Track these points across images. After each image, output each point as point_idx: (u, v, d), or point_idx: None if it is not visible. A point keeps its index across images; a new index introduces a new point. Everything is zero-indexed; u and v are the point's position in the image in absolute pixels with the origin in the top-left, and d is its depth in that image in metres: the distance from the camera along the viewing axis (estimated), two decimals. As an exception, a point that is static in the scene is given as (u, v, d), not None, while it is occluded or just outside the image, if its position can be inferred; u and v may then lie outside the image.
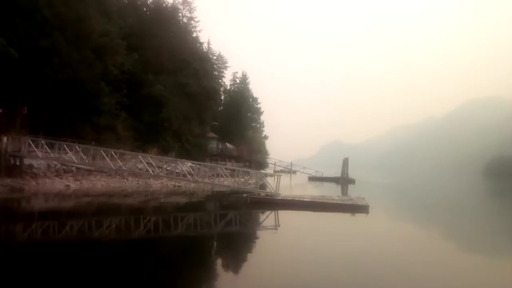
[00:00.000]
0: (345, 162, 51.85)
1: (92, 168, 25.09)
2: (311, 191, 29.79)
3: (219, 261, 9.87)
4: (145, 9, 44.51)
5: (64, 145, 22.84)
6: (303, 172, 62.94)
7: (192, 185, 26.53)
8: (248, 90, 67.48)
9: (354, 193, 26.68)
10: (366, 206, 18.89)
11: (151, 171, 23.14)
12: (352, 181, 48.63)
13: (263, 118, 76.17)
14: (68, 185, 22.95)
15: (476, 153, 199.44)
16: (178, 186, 27.42)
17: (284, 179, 47.22)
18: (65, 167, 24.56)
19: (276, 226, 15.12)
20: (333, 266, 8.94)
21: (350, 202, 19.94)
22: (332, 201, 20.40)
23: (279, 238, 12.77)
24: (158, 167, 24.54)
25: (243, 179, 24.58)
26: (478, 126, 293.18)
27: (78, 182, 23.89)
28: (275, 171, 58.53)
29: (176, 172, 23.78)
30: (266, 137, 79.61)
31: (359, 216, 17.71)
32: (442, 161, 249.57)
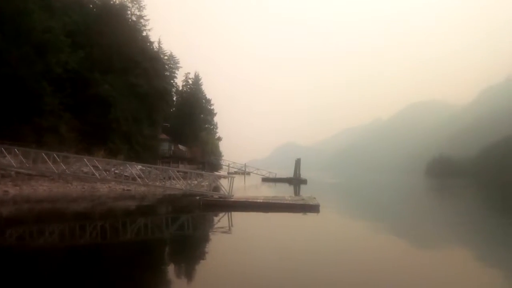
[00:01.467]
0: (298, 163, 52.94)
1: (33, 173, 23.52)
2: (265, 192, 30.06)
3: (170, 266, 9.62)
4: (91, 5, 42.61)
5: (2, 148, 21.24)
6: (257, 173, 63.40)
7: (143, 188, 25.72)
8: (201, 91, 66.79)
9: (306, 193, 27.29)
10: (317, 205, 19.39)
11: (97, 175, 22.16)
12: (304, 181, 49.75)
13: (216, 119, 75.79)
14: (6, 191, 21.32)
15: (418, 153, 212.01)
16: (127, 190, 26.45)
17: (238, 181, 47.36)
18: (3, 172, 22.81)
19: (229, 228, 15.07)
20: (285, 266, 9.04)
21: (301, 202, 20.34)
22: (285, 202, 20.69)
23: (232, 240, 12.72)
24: (105, 170, 23.55)
25: (196, 182, 24.30)
26: (420, 128, 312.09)
27: (17, 188, 22.25)
28: (229, 173, 58.45)
29: (125, 176, 22.95)
30: (219, 139, 79.26)
31: (310, 215, 18.12)
32: (388, 160, 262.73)
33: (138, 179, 22.27)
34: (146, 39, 47.34)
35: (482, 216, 21.83)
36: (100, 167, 22.90)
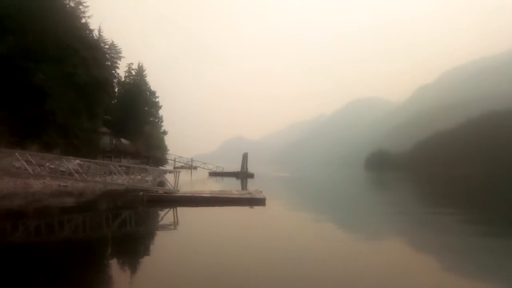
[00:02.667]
0: (245, 157, 53.23)
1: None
2: (211, 187, 29.89)
3: (110, 265, 9.13)
4: (23, -13, 39.13)
5: None
6: (203, 168, 62.85)
7: (81, 184, 24.34)
8: (145, 83, 64.39)
9: (253, 187, 27.51)
10: (263, 198, 19.59)
11: (30, 170, 20.58)
12: (251, 176, 50.16)
13: (162, 112, 73.60)
14: None
15: (359, 147, 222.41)
16: (64, 186, 24.87)
17: (184, 175, 46.53)
18: None
19: (174, 224, 14.71)
20: (231, 260, 8.98)
21: (248, 196, 20.44)
22: (231, 196, 20.66)
23: (178, 235, 12.44)
24: (40, 165, 21.95)
25: (139, 177, 23.43)
26: (361, 123, 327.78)
27: None
28: (174, 168, 57.33)
29: (61, 171, 21.56)
30: (165, 133, 77.07)
31: (257, 209, 18.27)
32: (332, 155, 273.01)
33: (76, 175, 21.00)
34: (85, 26, 44.56)
35: (414, 206, 23.41)
36: (34, 162, 21.28)
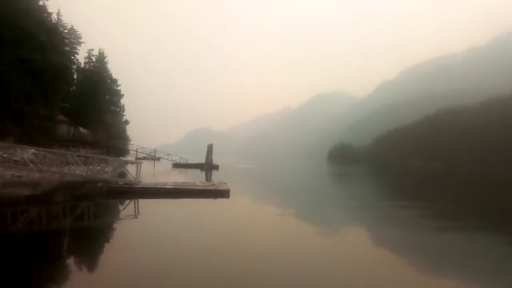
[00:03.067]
0: (210, 148, 52.85)
1: None
2: (175, 178, 29.45)
3: (66, 259, 8.80)
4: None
5: None
6: (167, 159, 61.76)
7: (36, 175, 23.19)
8: (106, 70, 62.07)
9: (217, 179, 27.41)
10: (227, 190, 19.57)
11: (-20, 160, 19.36)
12: (216, 167, 49.92)
13: (124, 101, 71.47)
14: None
15: (323, 140, 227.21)
16: (18, 176, 23.60)
17: (147, 167, 45.67)
18: None
19: (135, 216, 14.38)
20: (193, 252, 8.92)
21: (212, 188, 20.33)
22: (195, 187, 20.47)
23: (138, 228, 12.16)
24: (-9, 154, 20.69)
25: (98, 167, 22.68)
26: (325, 117, 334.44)
27: None
28: (136, 158, 56.02)
29: (15, 160, 20.46)
30: (127, 122, 75.01)
31: (221, 201, 18.24)
32: (296, 147, 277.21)
33: (31, 164, 20.01)
34: (43, 9, 42.18)
35: (373, 199, 24.28)
36: (-17, 151, 20.05)
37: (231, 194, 19.32)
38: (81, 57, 57.38)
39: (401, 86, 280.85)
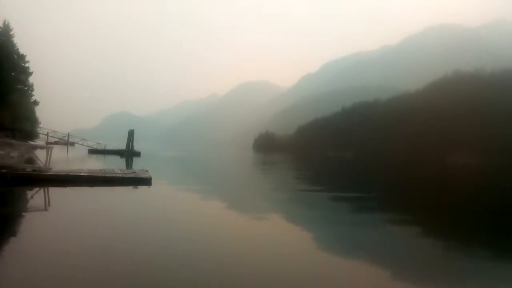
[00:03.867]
0: (131, 134, 50.57)
1: None
2: (91, 165, 27.67)
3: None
4: None
5: None
6: (82, 144, 57.71)
7: None
8: (12, 44, 55.46)
9: (139, 166, 26.36)
10: (149, 178, 18.91)
11: None
12: (137, 154, 48.00)
13: (32, 80, 64.68)
14: None
15: (248, 128, 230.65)
16: None
17: (60, 152, 42.28)
18: None
19: (45, 206, 13.23)
20: (110, 242, 8.48)
21: (132, 175, 19.48)
22: (113, 175, 19.42)
23: (48, 218, 11.21)
24: None
25: (2, 152, 20.35)
26: (251, 106, 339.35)
27: None
28: (47, 143, 51.50)
29: None
30: (36, 103, 68.04)
31: (142, 189, 17.59)
32: (223, 135, 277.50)
33: None
34: None
35: (291, 184, 25.36)
36: None
37: (153, 181, 18.71)
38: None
39: (322, 79, 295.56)
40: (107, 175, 19.16)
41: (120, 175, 19.43)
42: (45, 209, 12.61)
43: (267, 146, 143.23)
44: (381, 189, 24.99)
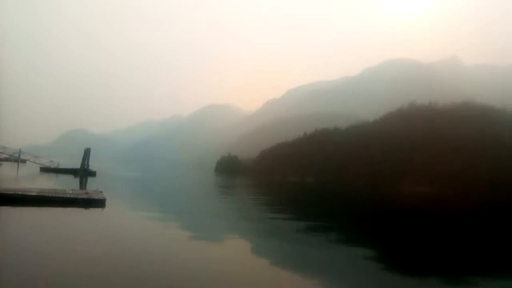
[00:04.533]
0: (87, 152, 48.76)
1: None
2: (42, 184, 26.29)
3: None
4: None
5: None
6: (34, 162, 54.80)
7: None
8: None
9: (93, 187, 25.37)
10: (103, 199, 18.24)
11: None
12: (92, 174, 46.24)
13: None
14: None
15: (212, 151, 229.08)
16: None
17: (9, 170, 39.93)
18: None
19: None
20: (55, 266, 8.04)
21: (85, 196, 18.71)
22: (64, 195, 18.56)
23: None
24: None
25: None
26: (215, 128, 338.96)
27: None
28: (-4, 159, 48.64)
29: None
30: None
31: (94, 211, 16.91)
32: (186, 156, 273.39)
33: None
34: None
35: (252, 210, 25.33)
36: None
37: (107, 203, 18.04)
38: None
39: (286, 105, 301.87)
40: (58, 195, 18.27)
41: (71, 196, 18.59)
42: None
43: (230, 169, 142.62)
44: (340, 217, 25.50)
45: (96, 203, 17.82)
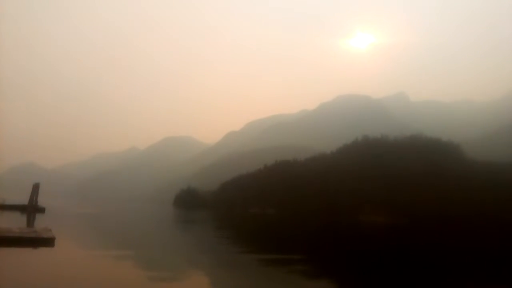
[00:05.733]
0: (35, 188, 46.12)
1: None
2: (-16, 223, 24.40)
3: None
4: None
5: None
6: (-24, 199, 50.90)
7: None
8: None
9: (42, 224, 23.89)
10: (52, 238, 17.21)
11: None
12: (41, 210, 43.61)
13: None
14: None
15: (170, 184, 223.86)
16: None
17: None
18: None
19: None
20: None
21: (33, 235, 17.58)
22: (10, 234, 17.33)
23: None
24: None
25: None
26: (173, 161, 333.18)
27: None
28: None
29: None
30: None
31: (42, 250, 15.89)
32: (142, 190, 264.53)
33: None
34: None
35: (213, 245, 24.87)
36: None
37: (57, 242, 17.02)
38: None
39: (245, 137, 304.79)
40: (2, 234, 17.00)
41: (18, 235, 17.40)
42: None
43: (189, 202, 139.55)
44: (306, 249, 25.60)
45: (45, 242, 16.80)
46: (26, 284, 10.42)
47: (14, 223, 26.41)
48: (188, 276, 13.40)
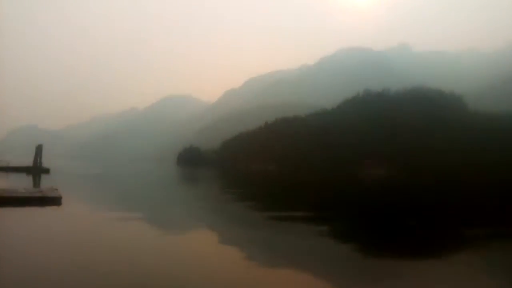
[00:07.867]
0: (39, 149, 46.39)
1: None
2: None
3: None
4: None
5: None
6: (-19, 162, 51.39)
7: None
8: None
9: (48, 184, 24.23)
10: (58, 197, 17.47)
11: None
12: (46, 171, 44.10)
13: None
14: None
15: (172, 143, 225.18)
16: None
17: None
18: None
19: None
20: (9, 269, 7.66)
21: (39, 195, 17.83)
22: (17, 194, 17.58)
23: None
24: None
25: None
26: (174, 120, 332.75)
27: None
28: None
29: None
30: None
31: (49, 209, 16.17)
32: (145, 150, 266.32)
33: None
34: None
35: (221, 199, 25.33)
36: None
37: (63, 201, 17.30)
38: None
39: (245, 94, 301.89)
40: (9, 195, 17.26)
41: (25, 195, 17.65)
42: None
43: (192, 160, 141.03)
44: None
45: (52, 201, 17.05)
46: (37, 240, 10.65)
47: (20, 183, 26.80)
48: (191, 229, 13.67)
